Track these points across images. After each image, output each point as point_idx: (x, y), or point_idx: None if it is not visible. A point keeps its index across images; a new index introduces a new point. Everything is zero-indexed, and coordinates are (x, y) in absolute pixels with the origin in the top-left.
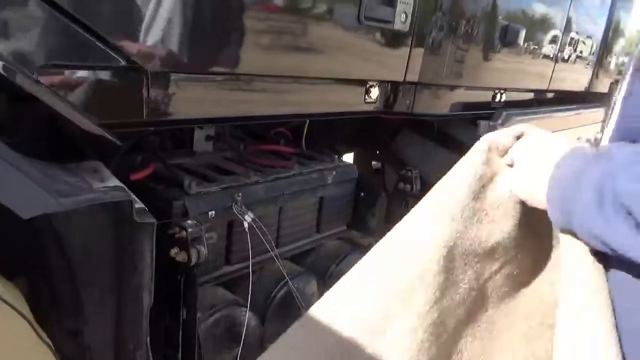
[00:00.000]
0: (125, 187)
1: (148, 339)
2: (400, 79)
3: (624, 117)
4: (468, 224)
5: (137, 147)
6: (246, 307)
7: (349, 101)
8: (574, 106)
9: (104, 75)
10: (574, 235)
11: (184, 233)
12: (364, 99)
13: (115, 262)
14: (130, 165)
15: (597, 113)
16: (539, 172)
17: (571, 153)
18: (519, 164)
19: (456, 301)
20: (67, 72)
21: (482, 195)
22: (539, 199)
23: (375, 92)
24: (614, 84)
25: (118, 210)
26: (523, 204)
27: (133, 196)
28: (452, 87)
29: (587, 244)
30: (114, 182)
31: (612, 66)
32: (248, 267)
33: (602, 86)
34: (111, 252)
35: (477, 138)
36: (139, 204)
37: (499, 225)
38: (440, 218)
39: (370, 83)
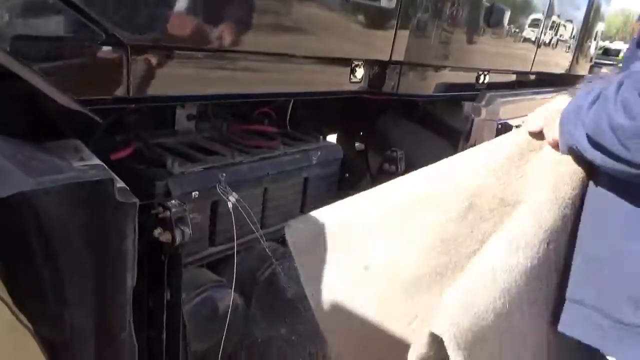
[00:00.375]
0: (106, 166)
1: (131, 321)
2: (386, 58)
3: None
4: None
5: (117, 125)
6: (231, 288)
7: (334, 81)
8: (555, 89)
9: (83, 48)
10: (576, 154)
11: (167, 213)
12: (349, 78)
13: (97, 243)
14: (110, 145)
15: None
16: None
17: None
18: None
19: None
20: (43, 45)
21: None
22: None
23: (360, 72)
24: (593, 67)
25: (99, 189)
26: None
27: (114, 175)
28: (437, 68)
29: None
30: (94, 160)
31: (592, 50)
32: (232, 248)
33: (582, 69)
34: (92, 233)
35: (461, 119)
36: (120, 183)
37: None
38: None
39: (356, 62)
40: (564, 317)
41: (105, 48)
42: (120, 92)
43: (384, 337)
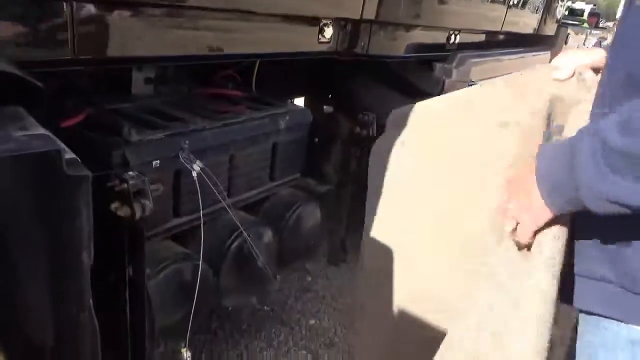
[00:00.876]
0: (52, 136)
1: (91, 300)
2: (357, 16)
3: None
4: None
5: (67, 90)
6: (198, 260)
7: (302, 41)
8: (525, 49)
9: (20, 3)
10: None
11: (124, 186)
12: (318, 38)
13: (46, 222)
14: (60, 111)
15: (546, 55)
16: None
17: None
18: None
19: None
20: None
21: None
22: None
23: (329, 31)
24: (560, 27)
25: (44, 162)
26: None
27: (62, 145)
28: (409, 27)
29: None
30: (38, 129)
31: (559, 10)
32: (198, 218)
33: (549, 29)
34: (41, 209)
35: (432, 81)
36: (69, 155)
37: None
38: None
39: (324, 21)
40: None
41: (47, 3)
42: (64, 53)
43: None
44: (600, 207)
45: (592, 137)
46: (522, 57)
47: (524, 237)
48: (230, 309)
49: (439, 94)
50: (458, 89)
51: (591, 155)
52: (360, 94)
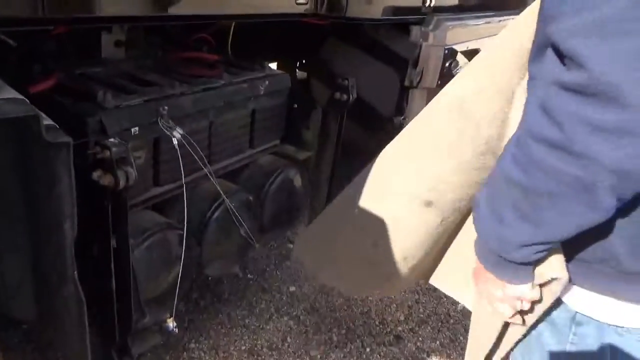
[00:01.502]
0: (28, 101)
1: (75, 272)
2: None
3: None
4: None
5: (33, 55)
6: (181, 229)
7: (279, 2)
8: (503, 12)
9: None
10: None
11: (107, 153)
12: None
13: (26, 191)
14: (27, 76)
15: None
16: None
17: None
18: None
19: None
20: None
21: None
22: None
23: None
24: None
25: (21, 128)
26: None
27: (38, 111)
28: None
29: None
30: (12, 93)
31: None
32: (179, 187)
33: None
34: (19, 178)
35: (408, 45)
36: (47, 121)
37: None
38: None
39: None
40: None
41: None
42: (32, 11)
43: None
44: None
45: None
46: (501, 20)
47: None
48: (210, 278)
49: (415, 59)
50: (435, 53)
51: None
52: (334, 59)
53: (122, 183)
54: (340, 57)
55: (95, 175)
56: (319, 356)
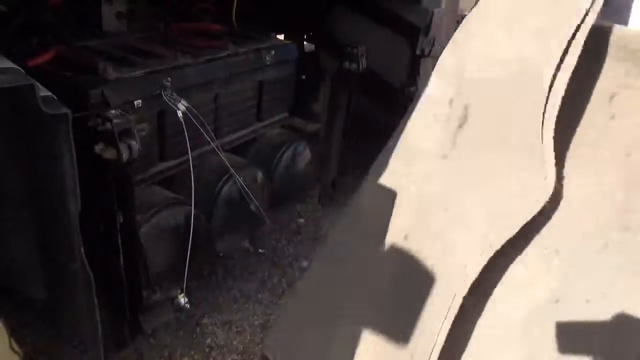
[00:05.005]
0: (22, 71)
1: (82, 249)
2: None
3: None
4: None
5: (32, 28)
6: (189, 204)
7: None
8: None
9: None
10: None
11: (108, 125)
12: None
13: (29, 166)
14: (25, 49)
15: None
16: None
17: None
18: None
19: None
20: None
21: None
22: None
23: None
24: None
25: (15, 99)
26: None
27: (34, 81)
28: None
29: None
30: (6, 63)
31: None
32: (186, 162)
33: None
34: (21, 154)
35: (419, 13)
36: (44, 92)
37: None
38: None
39: None
40: None
41: None
42: None
43: None
44: None
45: None
46: None
47: None
48: (222, 254)
49: (427, 27)
50: (448, 20)
51: None
52: (342, 29)
53: (125, 156)
54: (349, 26)
55: (98, 148)
56: None
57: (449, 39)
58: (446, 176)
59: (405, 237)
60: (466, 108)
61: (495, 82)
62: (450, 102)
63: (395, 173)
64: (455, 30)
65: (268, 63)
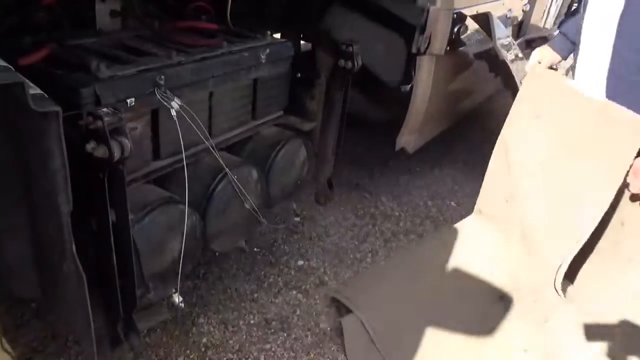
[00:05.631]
0: (12, 68)
1: (74, 248)
2: None
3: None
4: None
5: (25, 27)
6: (183, 203)
7: None
8: None
9: None
10: None
11: (99, 123)
12: None
13: (21, 165)
14: (18, 49)
15: None
16: None
17: None
18: None
19: None
20: None
21: None
22: None
23: None
24: None
25: (5, 96)
26: None
27: (24, 79)
28: None
29: None
30: None
31: None
32: (180, 160)
33: None
34: (13, 153)
35: (415, 11)
36: (34, 89)
37: None
38: None
39: None
40: None
41: None
42: None
43: None
44: None
45: None
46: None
47: None
48: (217, 253)
49: (422, 24)
50: (443, 18)
51: None
52: (338, 28)
53: (116, 154)
54: (345, 24)
55: (89, 147)
56: (328, 328)
57: (444, 37)
58: None
59: None
60: None
61: None
62: None
63: None
64: (451, 28)
65: (263, 61)
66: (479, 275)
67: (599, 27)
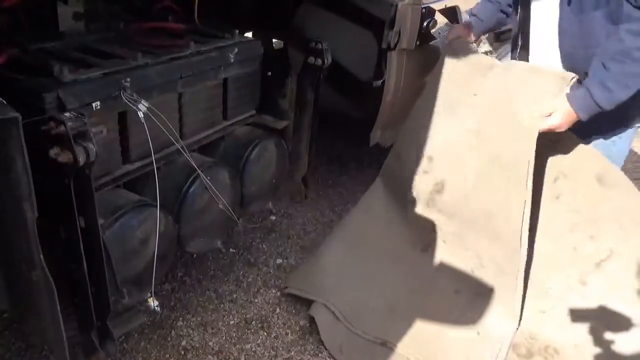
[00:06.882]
0: None
1: (42, 256)
2: None
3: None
4: None
5: None
6: (155, 206)
7: None
8: None
9: None
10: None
11: (62, 128)
12: None
13: None
14: None
15: None
16: None
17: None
18: None
19: None
20: None
21: None
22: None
23: None
24: None
25: None
26: None
27: None
28: None
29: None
30: None
31: None
32: (150, 163)
33: None
34: None
35: (383, 6)
36: None
37: None
38: None
39: None
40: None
41: None
42: None
43: None
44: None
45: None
46: None
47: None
48: (195, 255)
49: (391, 19)
50: (412, 12)
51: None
52: (309, 25)
53: (81, 159)
54: (315, 21)
55: (53, 152)
56: (308, 325)
57: (414, 31)
58: None
59: None
60: None
61: None
62: None
63: None
64: (420, 23)
65: (232, 61)
66: (400, 234)
67: (543, 30)
